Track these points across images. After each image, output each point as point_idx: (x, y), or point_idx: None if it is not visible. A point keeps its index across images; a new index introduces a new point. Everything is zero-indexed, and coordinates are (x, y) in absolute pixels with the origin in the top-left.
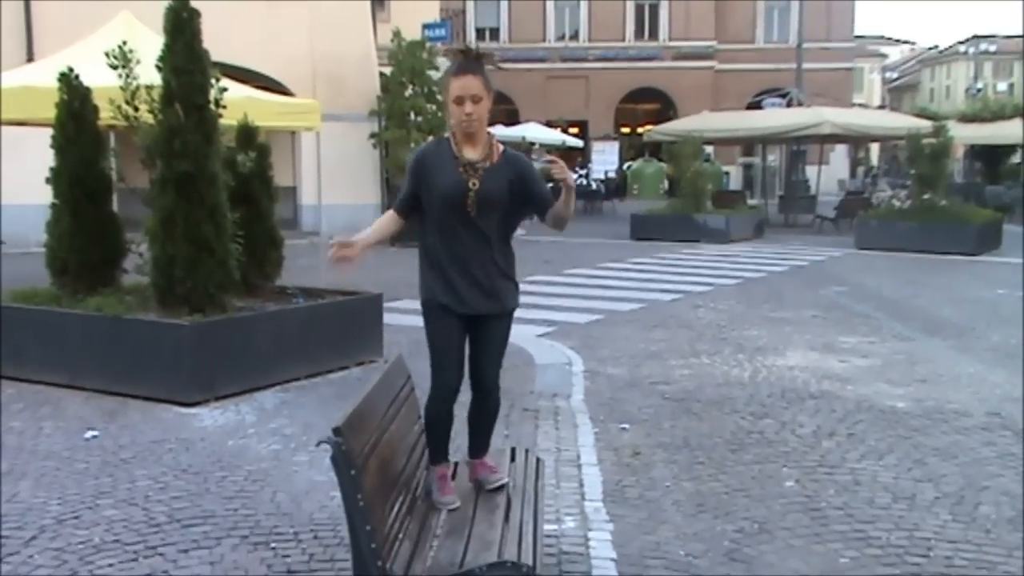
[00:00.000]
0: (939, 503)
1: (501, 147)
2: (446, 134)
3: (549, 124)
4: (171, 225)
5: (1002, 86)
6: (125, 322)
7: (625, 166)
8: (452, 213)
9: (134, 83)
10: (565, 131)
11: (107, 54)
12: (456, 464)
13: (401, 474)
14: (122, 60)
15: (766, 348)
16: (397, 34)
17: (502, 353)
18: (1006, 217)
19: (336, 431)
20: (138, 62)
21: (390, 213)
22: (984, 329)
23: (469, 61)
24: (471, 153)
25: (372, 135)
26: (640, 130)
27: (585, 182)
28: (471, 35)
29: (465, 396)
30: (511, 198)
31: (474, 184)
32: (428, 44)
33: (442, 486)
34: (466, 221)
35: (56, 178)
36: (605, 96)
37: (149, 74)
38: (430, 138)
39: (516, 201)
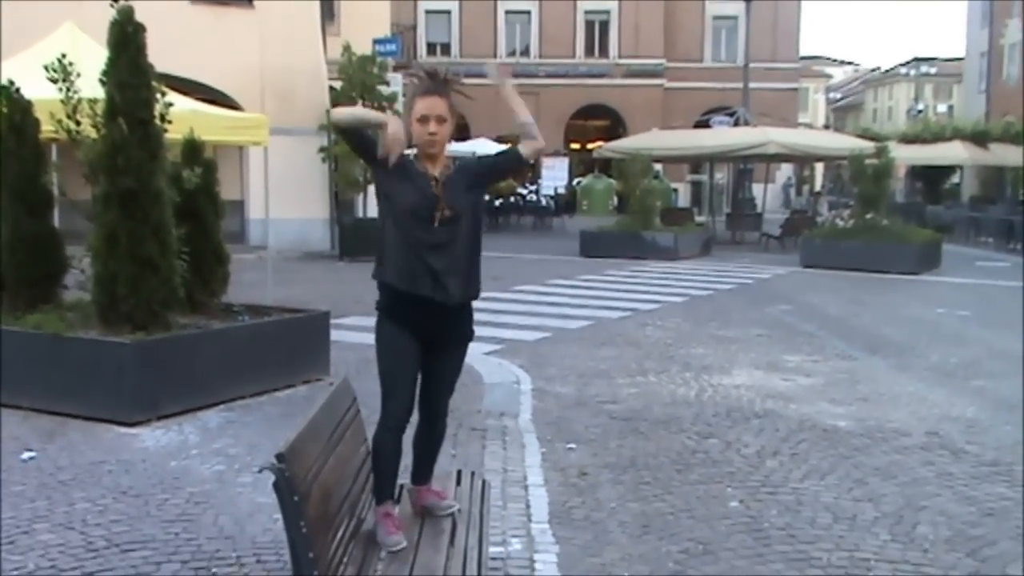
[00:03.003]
0: (879, 523)
1: (453, 161)
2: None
3: (500, 139)
4: (114, 242)
5: (942, 108)
6: (65, 340)
7: (575, 182)
8: (419, 224)
9: (75, 97)
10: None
11: (46, 67)
12: (401, 487)
13: (345, 499)
14: (62, 73)
15: (712, 367)
16: (347, 48)
17: (456, 380)
18: (946, 237)
19: (279, 457)
20: (79, 75)
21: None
22: (924, 348)
23: (436, 82)
24: (433, 169)
25: (321, 149)
26: (590, 146)
27: (535, 198)
28: (422, 50)
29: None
30: (474, 202)
31: (441, 192)
32: (379, 59)
33: (388, 525)
34: (432, 231)
35: None
36: (555, 112)
37: (93, 87)
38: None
39: (481, 191)
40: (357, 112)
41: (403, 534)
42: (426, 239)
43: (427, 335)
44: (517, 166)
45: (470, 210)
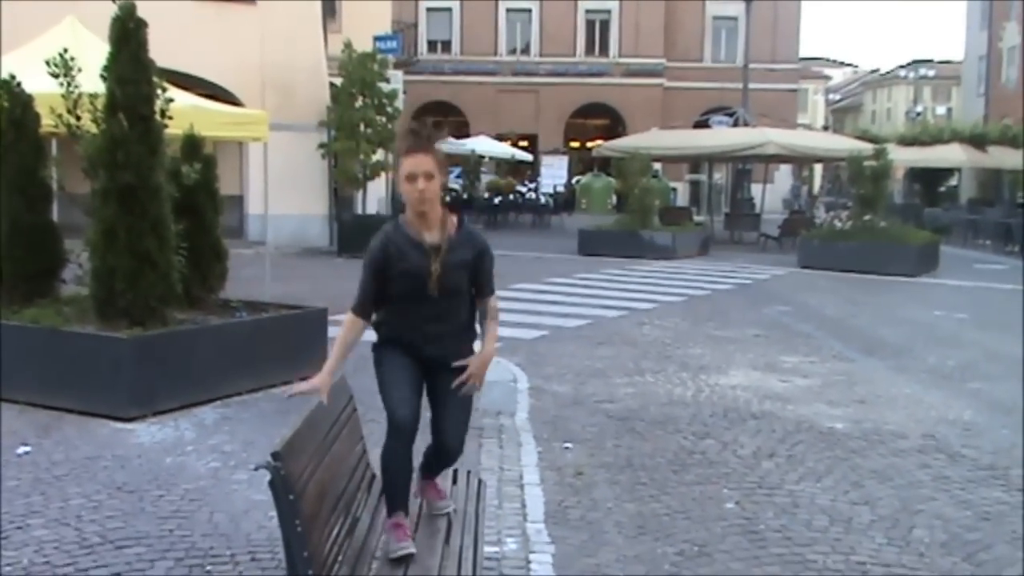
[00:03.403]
0: (875, 526)
1: (455, 220)
2: (400, 217)
3: (499, 137)
4: (112, 237)
5: (941, 110)
6: (62, 334)
7: (574, 181)
8: (415, 296)
9: (76, 91)
10: (515, 145)
11: (47, 62)
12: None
13: (341, 497)
14: (63, 68)
15: (709, 367)
16: (348, 45)
17: (467, 412)
18: (943, 239)
19: (275, 455)
20: (79, 70)
21: (351, 321)
22: (921, 351)
23: (421, 139)
24: (429, 236)
25: (321, 145)
26: (589, 145)
27: (534, 196)
28: (423, 48)
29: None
30: (470, 273)
31: (436, 268)
32: (379, 56)
33: (398, 535)
34: (430, 301)
35: None
36: (555, 110)
37: (94, 82)
38: (378, 152)
39: (473, 277)
40: (338, 357)
41: (413, 543)
42: (424, 311)
43: (425, 356)
44: (481, 294)
45: (465, 284)
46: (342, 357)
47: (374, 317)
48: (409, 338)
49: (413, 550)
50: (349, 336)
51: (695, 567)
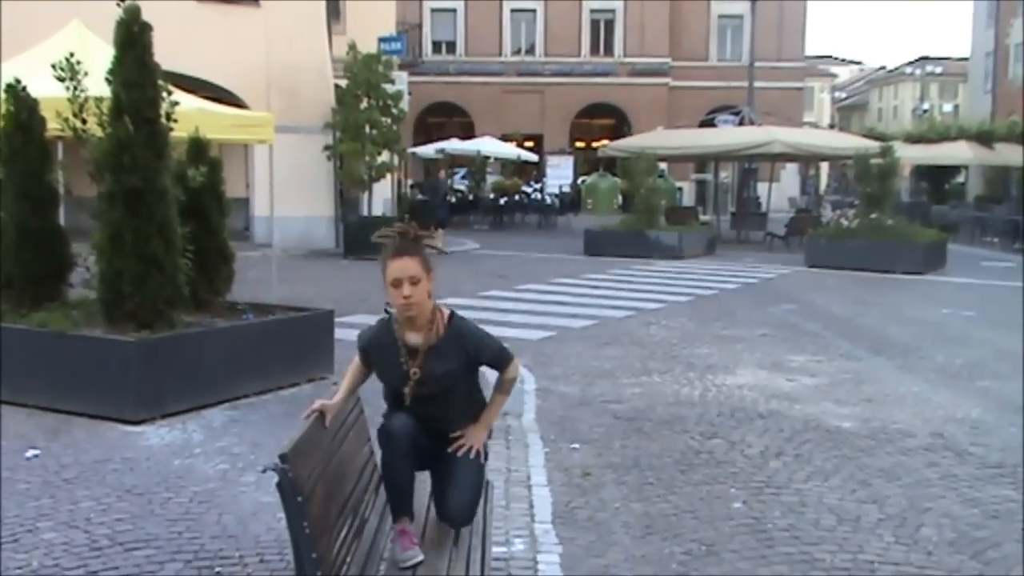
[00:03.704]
0: (883, 525)
1: (446, 315)
2: (391, 312)
3: (504, 138)
4: (119, 240)
5: (947, 107)
6: (70, 338)
7: (580, 181)
8: (399, 396)
9: (82, 95)
10: (520, 145)
11: (54, 66)
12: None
13: (349, 499)
14: (69, 72)
15: (716, 366)
16: (352, 47)
17: (472, 483)
18: (951, 237)
19: (283, 457)
20: (86, 74)
21: (355, 367)
22: (929, 349)
23: (406, 242)
24: (413, 337)
25: (326, 147)
26: (595, 145)
27: (540, 196)
28: (427, 48)
29: None
30: (461, 374)
31: (415, 373)
32: (384, 58)
33: (404, 541)
34: (415, 401)
35: (1, 190)
36: (561, 111)
37: (99, 85)
38: (384, 153)
39: (470, 371)
40: (344, 394)
41: (420, 551)
42: (413, 407)
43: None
44: (497, 369)
45: (455, 381)
46: (348, 396)
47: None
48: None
49: (421, 557)
50: (354, 381)
51: (703, 567)
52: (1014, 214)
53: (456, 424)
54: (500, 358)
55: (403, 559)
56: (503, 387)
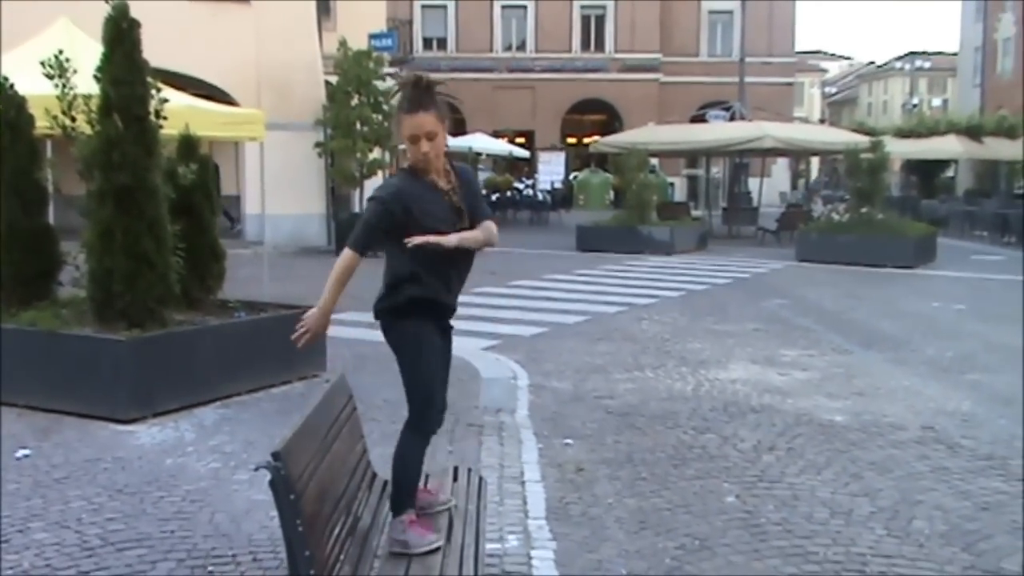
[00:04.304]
0: (875, 518)
1: (449, 165)
2: (404, 165)
3: (496, 134)
4: (109, 238)
5: (937, 102)
6: (60, 337)
7: (571, 177)
8: (437, 250)
9: (71, 93)
10: (512, 141)
11: (43, 63)
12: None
13: (342, 497)
14: (58, 69)
15: (709, 361)
16: (343, 43)
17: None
18: (941, 231)
19: (275, 455)
20: (75, 71)
21: (352, 259)
22: (919, 342)
23: (420, 94)
24: (442, 183)
25: (318, 144)
26: (586, 141)
27: (532, 192)
28: (418, 45)
29: None
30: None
31: (460, 211)
32: (374, 54)
33: (418, 529)
34: (449, 255)
35: None
36: (552, 107)
37: (88, 83)
38: (375, 150)
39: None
40: (332, 295)
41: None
42: (454, 258)
43: (449, 313)
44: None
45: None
46: (338, 295)
47: (388, 279)
48: (434, 294)
49: (442, 540)
50: (343, 273)
51: (696, 561)
52: (1003, 208)
53: (462, 282)
54: (487, 212)
55: (426, 543)
56: (485, 230)
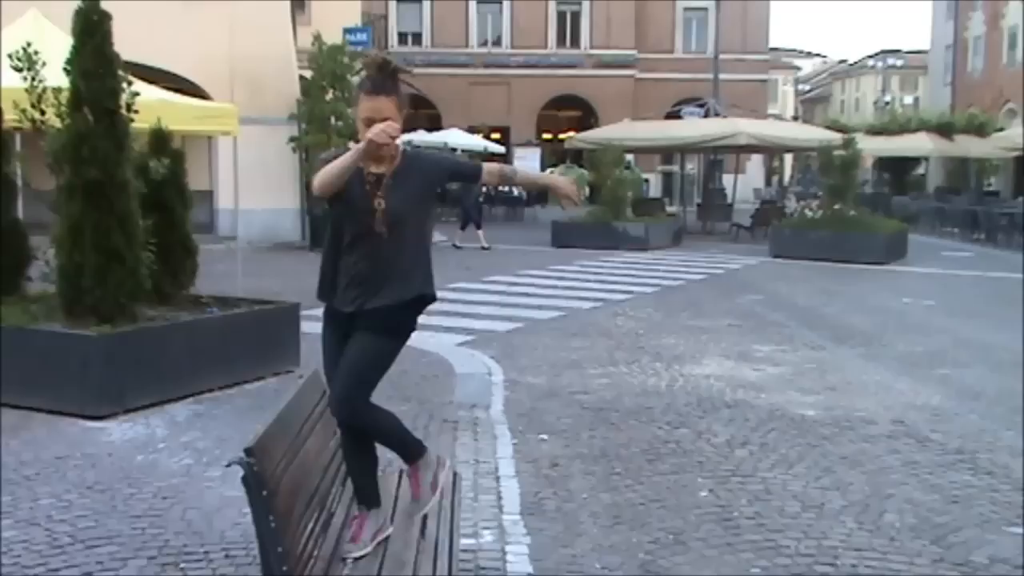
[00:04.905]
0: (846, 511)
1: (400, 148)
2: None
3: (471, 130)
4: (79, 233)
5: (908, 99)
6: (29, 332)
7: (547, 172)
8: (361, 229)
9: (40, 86)
10: (487, 137)
11: (11, 56)
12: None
13: (315, 493)
14: (27, 62)
15: (683, 357)
16: (318, 38)
17: (356, 363)
18: (911, 227)
19: (248, 451)
20: (44, 64)
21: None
22: (890, 338)
23: (382, 78)
24: (376, 166)
25: (292, 139)
26: (562, 137)
27: (507, 188)
28: (393, 40)
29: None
30: (419, 200)
31: (380, 203)
32: (349, 49)
33: (352, 528)
34: (375, 239)
35: None
36: (527, 102)
37: (57, 75)
38: (350, 144)
39: (427, 200)
40: (337, 165)
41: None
42: (366, 248)
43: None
44: (469, 181)
45: (414, 218)
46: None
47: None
48: (333, 287)
49: (368, 550)
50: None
51: (670, 555)
52: (973, 204)
53: (396, 270)
54: (464, 163)
55: (346, 550)
56: (503, 167)
